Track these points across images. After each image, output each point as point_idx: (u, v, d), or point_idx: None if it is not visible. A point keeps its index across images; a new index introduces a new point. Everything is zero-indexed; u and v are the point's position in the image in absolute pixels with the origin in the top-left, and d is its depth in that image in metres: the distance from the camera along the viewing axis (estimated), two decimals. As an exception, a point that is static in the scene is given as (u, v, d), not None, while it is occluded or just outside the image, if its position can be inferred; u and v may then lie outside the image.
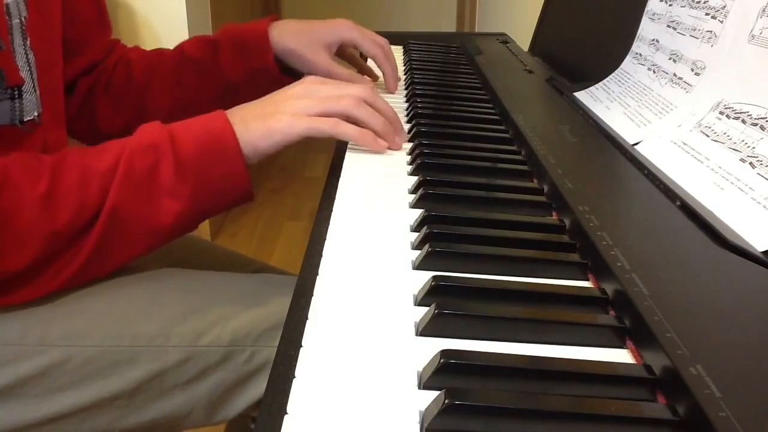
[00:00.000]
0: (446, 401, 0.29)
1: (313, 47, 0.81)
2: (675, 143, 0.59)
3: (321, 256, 0.43)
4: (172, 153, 0.55)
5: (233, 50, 0.82)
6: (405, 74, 0.99)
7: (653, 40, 0.73)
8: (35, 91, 0.64)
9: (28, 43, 0.63)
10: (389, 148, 0.64)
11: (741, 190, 0.48)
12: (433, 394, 0.31)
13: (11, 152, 0.55)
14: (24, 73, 0.62)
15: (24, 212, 0.52)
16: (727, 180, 0.50)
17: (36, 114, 0.64)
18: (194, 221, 0.59)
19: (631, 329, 0.36)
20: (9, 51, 0.60)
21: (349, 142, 0.63)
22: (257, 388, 0.60)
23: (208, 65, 0.83)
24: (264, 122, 0.58)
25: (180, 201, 0.56)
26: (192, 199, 0.56)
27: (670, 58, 0.68)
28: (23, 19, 0.62)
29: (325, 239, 0.45)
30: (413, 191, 0.55)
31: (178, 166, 0.55)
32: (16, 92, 0.61)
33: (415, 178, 0.57)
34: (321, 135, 0.59)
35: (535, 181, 0.58)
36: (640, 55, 0.75)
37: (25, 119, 0.62)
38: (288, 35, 0.82)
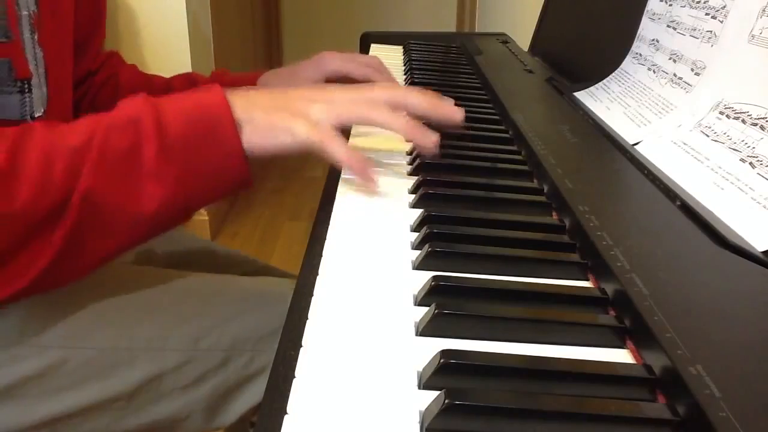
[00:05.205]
0: (446, 401, 0.29)
1: None
2: (675, 143, 0.59)
3: (321, 256, 0.43)
4: (156, 129, 0.48)
5: None
6: (405, 74, 0.99)
7: (653, 40, 0.73)
8: (42, 86, 0.63)
9: (36, 37, 0.62)
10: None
11: (741, 190, 0.48)
12: (433, 394, 0.31)
13: None
14: (32, 67, 0.61)
15: None
16: (727, 180, 0.50)
17: (42, 110, 0.63)
18: (182, 210, 0.52)
19: (631, 329, 0.36)
20: (18, 42, 0.59)
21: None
22: (256, 393, 0.60)
23: None
24: (268, 116, 0.52)
25: (164, 185, 0.49)
26: (179, 182, 0.49)
27: (670, 58, 0.68)
28: (32, 12, 0.62)
29: (325, 239, 0.45)
30: (413, 191, 0.55)
31: (163, 145, 0.48)
32: (26, 86, 0.60)
33: (415, 178, 0.56)
34: (314, 148, 0.52)
35: (535, 181, 0.58)
36: (640, 55, 0.75)
37: (36, 115, 0.62)
38: (273, 82, 0.81)
